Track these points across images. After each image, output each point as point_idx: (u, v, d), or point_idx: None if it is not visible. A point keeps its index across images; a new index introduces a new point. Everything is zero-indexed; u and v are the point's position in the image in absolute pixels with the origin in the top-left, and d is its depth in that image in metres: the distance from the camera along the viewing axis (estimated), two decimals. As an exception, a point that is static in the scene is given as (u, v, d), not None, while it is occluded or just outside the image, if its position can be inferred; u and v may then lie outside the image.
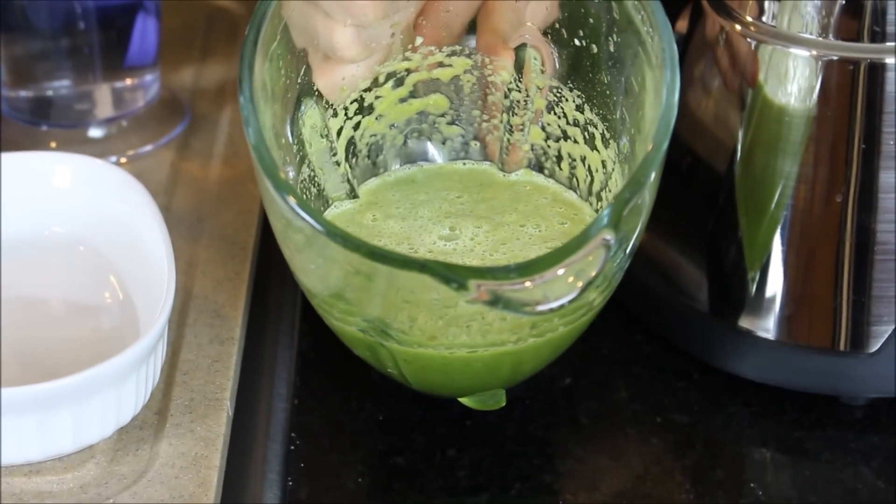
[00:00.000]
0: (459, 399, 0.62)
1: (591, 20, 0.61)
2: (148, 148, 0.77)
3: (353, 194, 0.65)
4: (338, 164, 0.64)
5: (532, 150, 0.65)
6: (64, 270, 0.66)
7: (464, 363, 0.58)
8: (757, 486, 0.63)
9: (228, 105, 0.80)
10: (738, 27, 0.64)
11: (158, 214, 0.64)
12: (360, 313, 0.57)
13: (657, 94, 0.56)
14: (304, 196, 0.62)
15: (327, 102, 0.63)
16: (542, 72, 0.63)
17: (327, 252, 0.55)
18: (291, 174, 0.61)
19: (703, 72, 0.66)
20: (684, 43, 0.67)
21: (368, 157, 0.66)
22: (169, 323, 0.62)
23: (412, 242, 0.62)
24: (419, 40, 0.63)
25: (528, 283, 0.51)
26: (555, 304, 0.51)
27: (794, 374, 0.65)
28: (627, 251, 0.56)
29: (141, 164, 0.76)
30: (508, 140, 0.65)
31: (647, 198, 0.56)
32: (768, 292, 0.65)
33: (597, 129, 0.63)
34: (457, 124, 0.66)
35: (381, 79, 0.64)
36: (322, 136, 0.63)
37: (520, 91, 0.64)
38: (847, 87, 0.62)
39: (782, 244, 0.64)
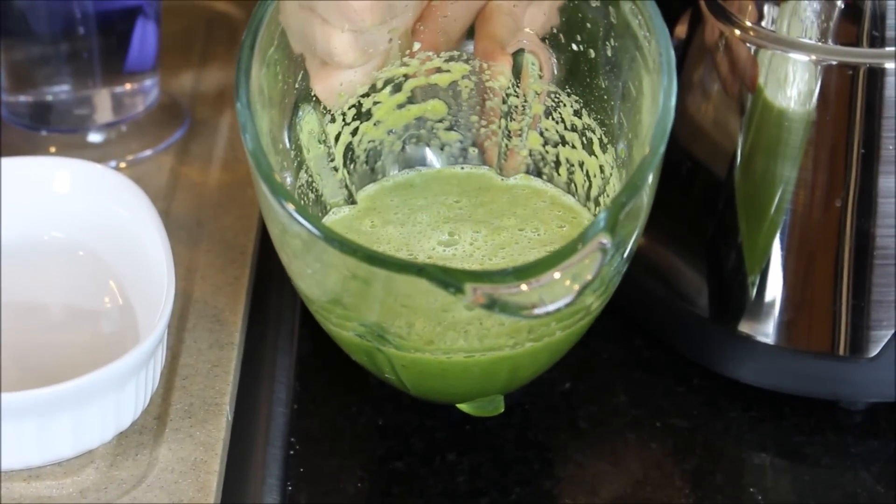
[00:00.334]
0: (458, 405, 0.62)
1: (589, 25, 0.61)
2: (147, 153, 0.77)
3: (351, 200, 0.65)
4: (336, 169, 0.64)
5: (530, 155, 0.65)
6: (63, 275, 0.66)
7: (461, 368, 0.57)
8: (756, 491, 0.63)
9: (228, 110, 0.80)
10: (737, 32, 0.64)
11: (158, 219, 0.64)
12: (358, 318, 0.57)
13: (654, 98, 0.56)
14: (302, 202, 0.62)
15: (325, 108, 0.62)
16: (541, 77, 0.63)
17: (324, 257, 0.54)
18: (289, 180, 0.61)
19: (703, 76, 0.66)
20: (684, 48, 0.67)
21: (366, 162, 0.65)
22: (168, 328, 0.62)
23: (411, 248, 0.62)
24: (417, 46, 0.63)
25: (524, 287, 0.51)
26: (551, 308, 0.51)
27: (794, 378, 0.65)
28: (625, 255, 0.56)
29: (140, 168, 0.76)
30: (507, 145, 0.65)
31: (644, 202, 0.56)
32: (768, 297, 0.64)
33: (595, 133, 0.63)
34: (455, 130, 0.66)
35: (379, 84, 0.64)
36: (320, 141, 0.63)
37: (518, 96, 0.64)
38: (846, 92, 0.62)
39: (782, 249, 0.64)
